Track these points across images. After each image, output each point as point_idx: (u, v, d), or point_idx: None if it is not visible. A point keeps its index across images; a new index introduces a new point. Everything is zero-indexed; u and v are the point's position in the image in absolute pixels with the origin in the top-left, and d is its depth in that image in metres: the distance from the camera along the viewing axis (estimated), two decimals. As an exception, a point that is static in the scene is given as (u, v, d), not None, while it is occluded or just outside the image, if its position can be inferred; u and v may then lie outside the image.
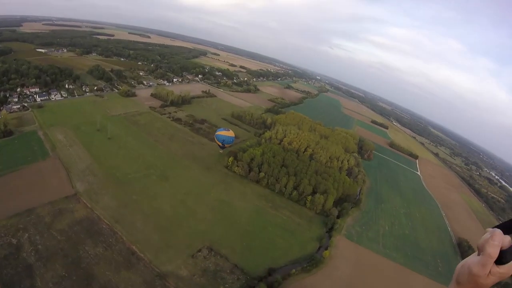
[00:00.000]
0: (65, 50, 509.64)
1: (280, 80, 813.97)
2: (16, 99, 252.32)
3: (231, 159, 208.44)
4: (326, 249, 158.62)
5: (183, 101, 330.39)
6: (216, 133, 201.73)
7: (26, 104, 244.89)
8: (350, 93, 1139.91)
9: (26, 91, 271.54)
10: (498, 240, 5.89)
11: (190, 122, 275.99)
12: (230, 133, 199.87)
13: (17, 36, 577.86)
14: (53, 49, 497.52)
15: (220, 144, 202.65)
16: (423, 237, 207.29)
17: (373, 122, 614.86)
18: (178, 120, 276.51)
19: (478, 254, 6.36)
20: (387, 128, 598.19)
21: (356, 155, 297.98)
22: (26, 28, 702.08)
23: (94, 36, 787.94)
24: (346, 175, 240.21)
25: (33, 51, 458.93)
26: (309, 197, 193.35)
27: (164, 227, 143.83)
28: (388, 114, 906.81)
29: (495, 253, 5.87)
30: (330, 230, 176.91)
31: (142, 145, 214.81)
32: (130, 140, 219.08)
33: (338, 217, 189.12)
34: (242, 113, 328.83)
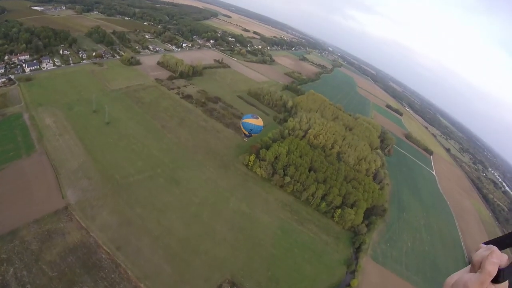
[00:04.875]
0: (64, 8, 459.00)
1: (294, 50, 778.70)
2: (2, 70, 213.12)
3: (252, 157, 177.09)
4: (353, 273, 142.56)
5: (194, 72, 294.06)
6: (243, 121, 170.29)
7: (12, 77, 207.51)
8: (363, 70, 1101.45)
9: (15, 59, 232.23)
10: (497, 258, 5.97)
11: (203, 100, 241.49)
12: (258, 122, 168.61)
13: None
14: (50, 7, 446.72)
15: (247, 133, 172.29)
16: (440, 254, 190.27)
17: (388, 106, 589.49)
18: (188, 97, 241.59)
19: (472, 270, 6.44)
20: (401, 115, 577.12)
21: (380, 152, 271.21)
22: None
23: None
24: (373, 179, 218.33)
25: (28, 9, 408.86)
26: (338, 211, 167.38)
27: (177, 254, 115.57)
28: (400, 97, 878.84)
29: (494, 271, 5.89)
30: (357, 250, 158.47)
31: (146, 133, 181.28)
32: (132, 125, 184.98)
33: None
34: (260, 91, 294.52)
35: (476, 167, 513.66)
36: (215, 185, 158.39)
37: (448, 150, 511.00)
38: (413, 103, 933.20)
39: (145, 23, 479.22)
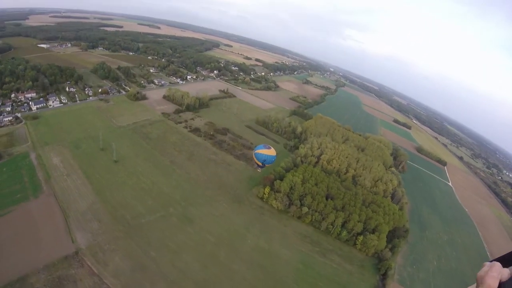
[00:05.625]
0: (69, 45, 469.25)
1: (297, 73, 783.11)
2: (9, 108, 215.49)
3: (267, 189, 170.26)
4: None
5: (200, 104, 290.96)
6: (255, 151, 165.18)
7: (19, 115, 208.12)
8: (365, 87, 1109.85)
9: (21, 97, 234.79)
10: (497, 272, 6.09)
11: (211, 133, 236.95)
12: (271, 152, 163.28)
13: (21, 30, 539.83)
14: (56, 44, 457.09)
15: (260, 164, 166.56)
16: (468, 269, 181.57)
17: (396, 121, 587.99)
18: (196, 130, 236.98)
19: (477, 286, 6.41)
20: (410, 129, 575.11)
21: (394, 170, 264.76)
22: (32, 21, 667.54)
23: (102, 28, 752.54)
24: (391, 199, 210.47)
25: (34, 47, 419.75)
26: (360, 238, 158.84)
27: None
28: (406, 110, 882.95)
29: (494, 284, 5.97)
30: (383, 276, 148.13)
31: (155, 170, 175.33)
32: (141, 162, 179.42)
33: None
34: (267, 118, 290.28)
35: (490, 172, 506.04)
36: (230, 221, 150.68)
37: (461, 159, 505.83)
38: (420, 115, 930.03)
39: (149, 57, 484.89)
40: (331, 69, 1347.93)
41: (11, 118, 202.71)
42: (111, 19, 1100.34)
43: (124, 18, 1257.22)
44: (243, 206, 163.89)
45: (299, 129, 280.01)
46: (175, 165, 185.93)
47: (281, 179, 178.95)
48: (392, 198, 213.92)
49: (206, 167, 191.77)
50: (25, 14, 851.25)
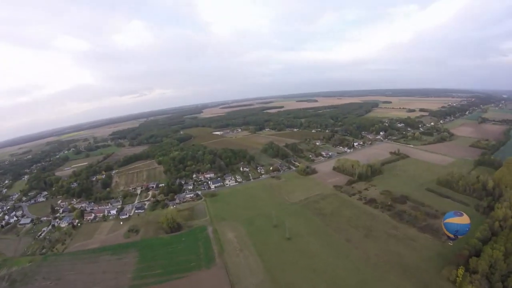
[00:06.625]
0: (239, 130, 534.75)
1: (469, 113, 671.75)
2: (190, 186, 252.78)
3: (460, 271, 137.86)
4: None
5: (372, 171, 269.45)
6: (445, 221, 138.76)
7: (199, 192, 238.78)
8: None
9: (201, 177, 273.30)
10: None
11: (388, 203, 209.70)
12: (464, 220, 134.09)
13: (198, 122, 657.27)
14: (228, 130, 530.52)
15: (452, 236, 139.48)
16: None
17: None
18: (372, 201, 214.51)
19: None
20: None
21: None
22: (205, 114, 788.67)
23: (265, 111, 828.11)
24: None
25: (209, 134, 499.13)
26: None
27: None
28: None
29: None
30: None
31: (329, 249, 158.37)
32: (314, 240, 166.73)
33: None
34: (450, 177, 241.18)
35: None
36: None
37: None
38: None
39: (313, 131, 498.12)
40: (504, 96, 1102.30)
41: (193, 195, 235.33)
42: (271, 101, 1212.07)
43: (282, 98, 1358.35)
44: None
45: (490, 183, 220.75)
46: (351, 243, 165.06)
47: (478, 255, 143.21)
48: None
49: (386, 244, 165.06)
50: (200, 108, 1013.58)
